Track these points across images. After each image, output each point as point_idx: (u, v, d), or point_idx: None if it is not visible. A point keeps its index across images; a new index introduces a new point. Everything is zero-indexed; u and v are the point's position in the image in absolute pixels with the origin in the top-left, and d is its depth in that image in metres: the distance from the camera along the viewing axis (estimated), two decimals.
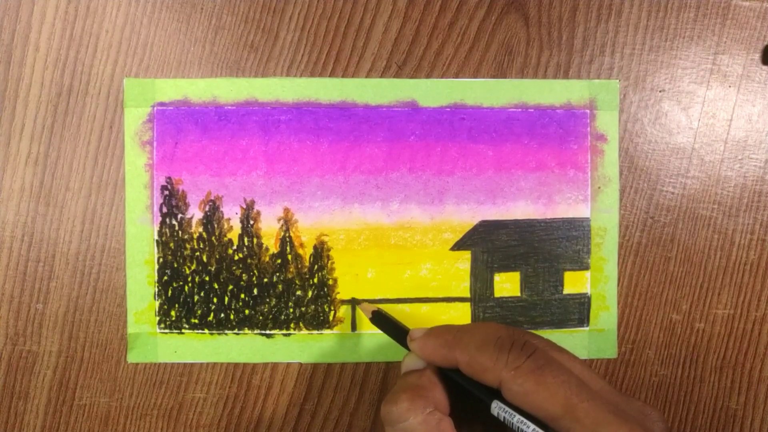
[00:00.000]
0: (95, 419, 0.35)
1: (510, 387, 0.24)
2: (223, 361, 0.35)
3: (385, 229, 0.35)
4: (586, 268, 0.36)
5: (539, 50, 0.36)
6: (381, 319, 0.32)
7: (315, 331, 0.35)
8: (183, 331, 0.35)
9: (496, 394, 0.25)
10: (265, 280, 0.35)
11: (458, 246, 0.36)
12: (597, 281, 0.36)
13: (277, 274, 0.35)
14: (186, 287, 0.35)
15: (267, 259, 0.35)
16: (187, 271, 0.35)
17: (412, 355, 0.29)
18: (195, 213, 0.35)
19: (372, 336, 0.35)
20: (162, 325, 0.35)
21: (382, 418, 0.26)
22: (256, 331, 0.35)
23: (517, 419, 0.24)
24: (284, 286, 0.35)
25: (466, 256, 0.36)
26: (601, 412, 0.23)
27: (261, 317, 0.35)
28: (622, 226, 0.36)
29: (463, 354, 0.26)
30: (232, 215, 0.35)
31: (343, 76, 0.35)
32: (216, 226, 0.35)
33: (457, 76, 0.35)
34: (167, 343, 0.35)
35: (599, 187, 0.36)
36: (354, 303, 0.35)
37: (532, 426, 0.24)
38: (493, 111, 0.36)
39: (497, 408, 0.25)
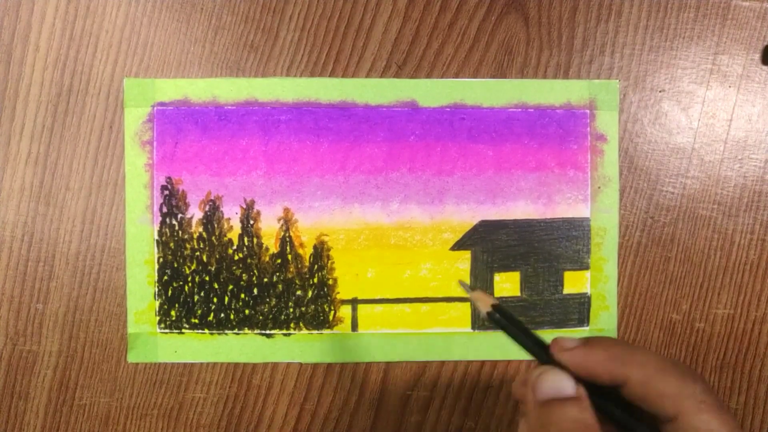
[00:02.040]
0: (95, 419, 0.35)
1: (690, 421, 0.23)
2: (223, 361, 0.35)
3: (385, 229, 0.35)
4: (586, 267, 0.36)
5: (539, 50, 0.36)
6: (505, 318, 0.25)
7: (315, 331, 0.35)
8: (183, 331, 0.35)
9: (651, 427, 0.23)
10: (265, 280, 0.35)
11: (458, 246, 0.36)
12: (597, 281, 0.36)
13: (277, 274, 0.35)
14: (186, 287, 0.35)
15: (267, 259, 0.35)
16: (187, 271, 0.35)
17: (557, 373, 0.23)
18: (195, 213, 0.35)
19: (372, 336, 0.35)
20: (162, 325, 0.35)
21: None
22: (256, 331, 0.35)
23: None
24: (284, 286, 0.35)
25: (466, 256, 0.36)
26: None
27: (261, 317, 0.35)
28: (622, 226, 0.36)
29: (640, 373, 0.23)
30: (232, 215, 0.35)
31: (343, 76, 0.35)
32: (216, 226, 0.35)
33: (457, 76, 0.35)
34: (167, 343, 0.35)
35: (599, 187, 0.36)
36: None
37: None
38: (493, 111, 0.36)
39: None
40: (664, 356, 0.24)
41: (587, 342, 0.24)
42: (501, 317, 0.24)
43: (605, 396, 0.23)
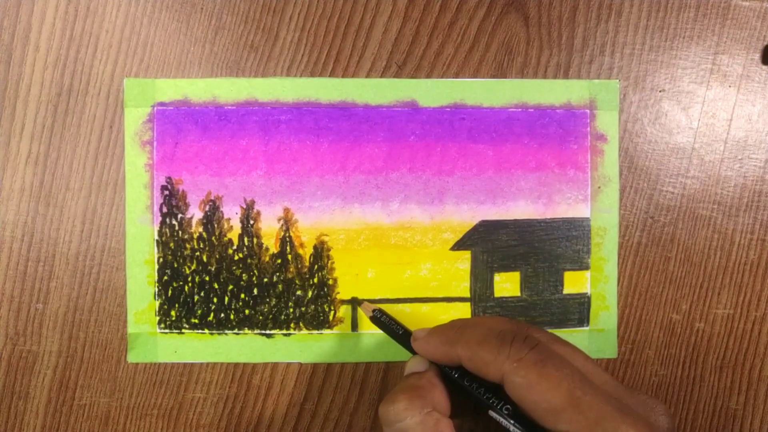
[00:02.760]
0: (95, 419, 0.35)
1: (512, 379, 0.24)
2: (223, 361, 0.35)
3: (385, 229, 0.35)
4: (586, 268, 0.36)
5: (539, 50, 0.36)
6: (382, 320, 0.32)
7: (315, 331, 0.35)
8: (183, 331, 0.35)
9: (499, 394, 0.25)
10: (265, 280, 0.35)
11: (458, 246, 0.36)
12: (597, 281, 0.36)
13: (277, 274, 0.35)
14: (186, 287, 0.35)
15: (267, 259, 0.35)
16: (187, 271, 0.35)
17: (415, 358, 0.29)
18: (195, 213, 0.35)
19: (372, 336, 0.35)
20: (162, 325, 0.35)
21: (380, 417, 0.26)
22: (256, 331, 0.35)
23: (512, 429, 0.24)
24: (284, 286, 0.35)
25: (466, 256, 0.36)
26: (604, 405, 0.23)
27: (261, 317, 0.35)
28: (622, 226, 0.36)
29: (465, 349, 0.26)
30: (232, 215, 0.35)
31: (343, 76, 0.35)
32: (216, 226, 0.35)
33: (457, 76, 0.35)
34: (167, 343, 0.35)
35: (599, 187, 0.36)
36: (355, 303, 0.35)
37: None
38: (493, 111, 0.36)
39: (494, 414, 0.25)
40: (496, 328, 0.26)
41: (430, 331, 0.28)
42: (379, 319, 0.32)
43: (469, 377, 0.27)
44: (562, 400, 0.23)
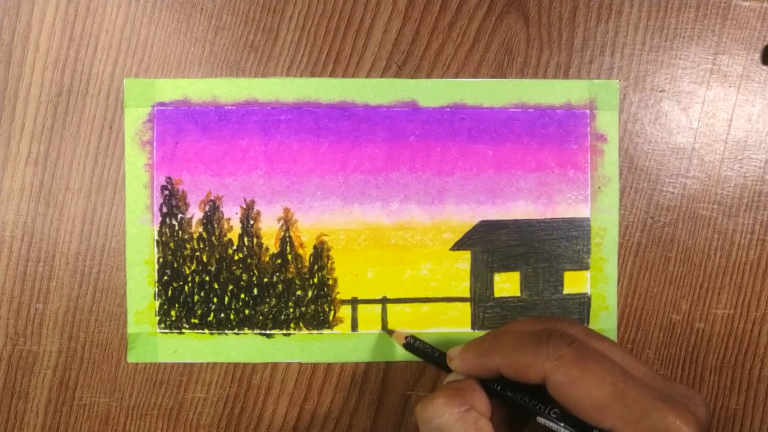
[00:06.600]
0: (95, 419, 0.35)
1: (554, 378, 0.24)
2: (223, 361, 0.35)
3: (385, 229, 0.35)
4: (586, 268, 0.36)
5: (539, 50, 0.36)
6: (416, 345, 0.33)
7: (315, 331, 0.35)
8: (183, 331, 0.35)
9: (542, 399, 0.25)
10: (265, 280, 0.35)
11: (458, 246, 0.36)
12: (597, 281, 0.36)
13: (277, 274, 0.35)
14: (186, 287, 0.35)
15: (267, 259, 0.35)
16: (187, 271, 0.35)
17: (453, 374, 0.28)
18: (195, 213, 0.35)
19: (372, 336, 0.35)
20: (162, 325, 0.35)
21: (417, 417, 0.26)
22: (256, 331, 0.35)
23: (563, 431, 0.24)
24: (284, 286, 0.35)
25: (466, 256, 0.36)
26: (648, 398, 0.23)
27: (261, 317, 0.35)
28: (622, 226, 0.36)
29: (502, 356, 0.25)
30: (232, 215, 0.35)
31: (343, 76, 0.35)
32: (216, 226, 0.35)
33: (457, 76, 0.35)
34: (167, 343, 0.35)
35: (599, 187, 0.36)
36: (386, 331, 0.35)
37: None
38: (493, 111, 0.36)
39: (543, 420, 0.25)
40: (529, 330, 0.26)
41: (464, 347, 0.27)
42: (413, 345, 0.33)
43: (514, 388, 0.26)
44: (607, 395, 0.23)
